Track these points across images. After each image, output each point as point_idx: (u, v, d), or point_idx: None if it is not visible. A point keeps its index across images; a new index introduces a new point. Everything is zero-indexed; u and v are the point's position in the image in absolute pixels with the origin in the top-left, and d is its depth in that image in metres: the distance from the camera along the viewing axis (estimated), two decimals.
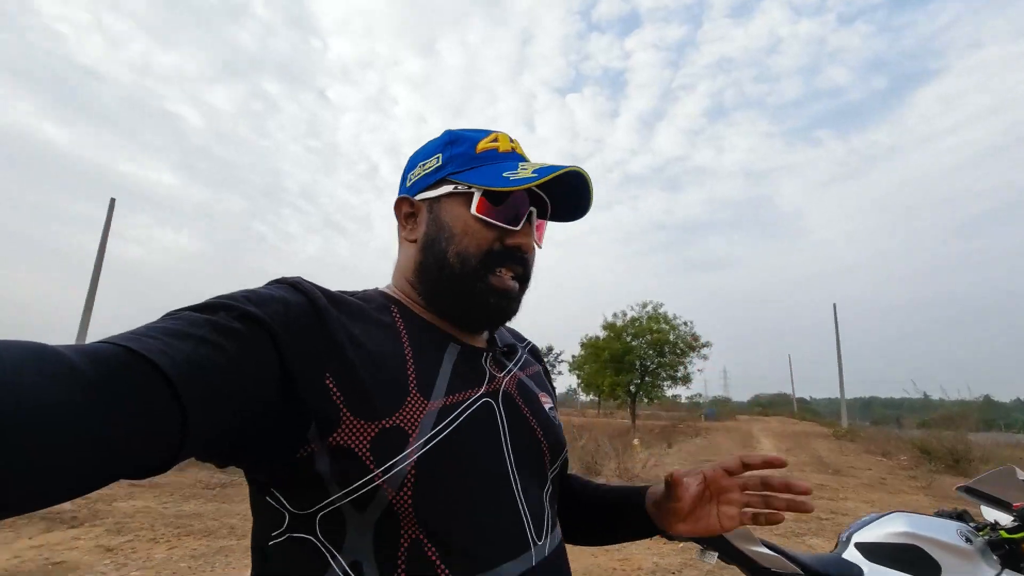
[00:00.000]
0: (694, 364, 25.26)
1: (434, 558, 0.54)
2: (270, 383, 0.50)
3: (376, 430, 0.54)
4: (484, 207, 0.67)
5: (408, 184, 0.75)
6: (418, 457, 0.55)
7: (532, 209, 0.70)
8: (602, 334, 27.04)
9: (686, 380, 25.14)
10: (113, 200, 13.84)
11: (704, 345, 25.00)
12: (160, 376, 0.40)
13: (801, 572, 1.81)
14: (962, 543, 1.77)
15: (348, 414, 0.54)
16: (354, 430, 0.53)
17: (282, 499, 0.56)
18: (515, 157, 0.72)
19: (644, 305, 26.72)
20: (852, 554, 1.94)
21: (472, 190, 0.67)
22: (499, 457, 0.63)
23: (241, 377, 0.47)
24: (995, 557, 1.89)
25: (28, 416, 0.32)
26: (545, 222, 0.75)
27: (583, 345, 28.07)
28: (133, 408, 0.38)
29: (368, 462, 0.53)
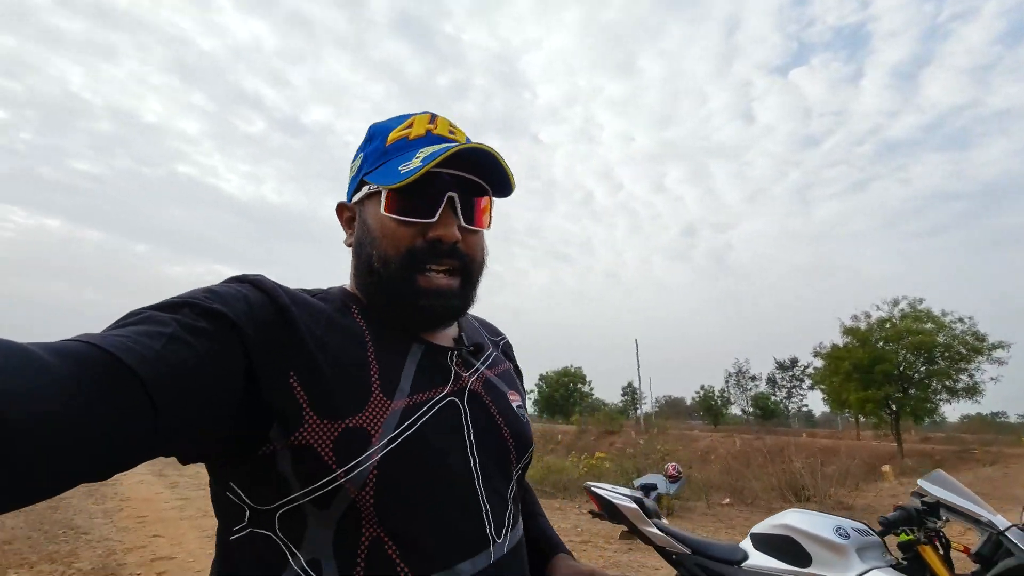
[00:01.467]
0: (983, 371, 19.58)
1: (394, 556, 0.54)
2: (236, 381, 0.50)
3: (339, 430, 0.54)
4: (393, 204, 0.64)
5: (347, 190, 0.74)
6: (380, 457, 0.55)
7: (451, 195, 0.65)
8: (843, 341, 23.13)
9: (973, 392, 19.60)
10: None
11: (996, 347, 19.20)
12: (131, 375, 0.40)
13: (687, 551, 2.18)
14: (835, 538, 1.92)
15: (311, 413, 0.53)
16: (317, 430, 0.53)
17: (242, 495, 0.56)
18: (428, 142, 0.67)
19: (895, 303, 21.99)
20: (747, 543, 2.17)
21: (380, 189, 0.65)
22: (463, 456, 0.62)
23: (210, 375, 0.47)
24: (889, 556, 1.94)
25: (6, 422, 0.32)
26: (488, 198, 0.70)
27: (820, 356, 24.39)
28: (105, 408, 0.38)
29: (330, 462, 0.53)
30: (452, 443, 0.62)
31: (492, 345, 0.84)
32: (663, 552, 2.27)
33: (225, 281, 0.59)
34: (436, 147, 0.64)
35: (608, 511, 2.47)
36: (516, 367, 0.89)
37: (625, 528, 2.48)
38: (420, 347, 0.67)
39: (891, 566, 1.92)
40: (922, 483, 2.11)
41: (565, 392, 43.10)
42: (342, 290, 0.71)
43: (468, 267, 0.68)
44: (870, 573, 1.85)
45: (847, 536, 1.95)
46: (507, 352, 0.89)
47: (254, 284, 0.58)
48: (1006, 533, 1.85)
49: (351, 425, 0.55)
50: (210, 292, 0.54)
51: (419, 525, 0.56)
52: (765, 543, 2.14)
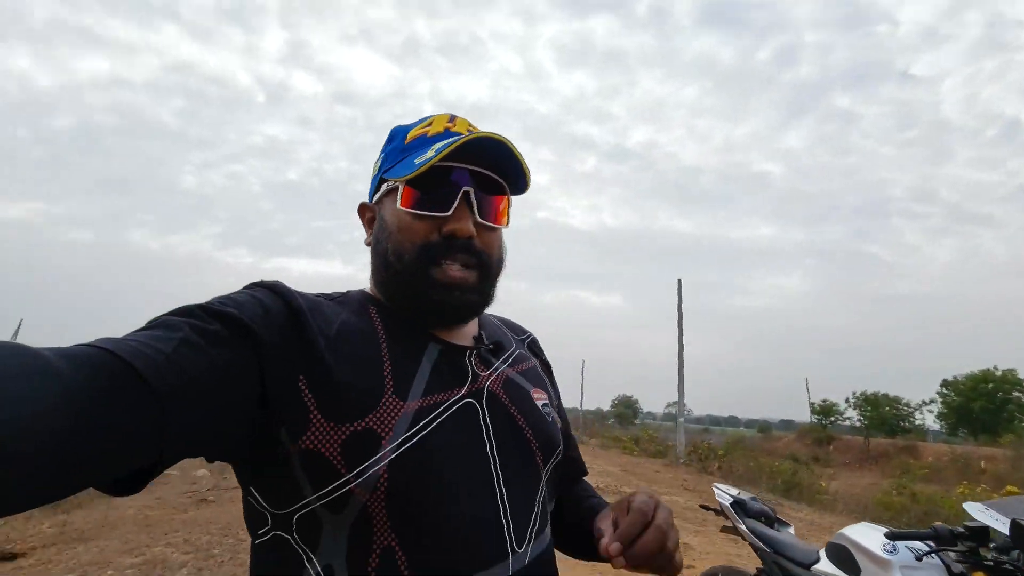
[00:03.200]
0: None
1: (402, 567, 0.53)
2: (248, 384, 0.51)
3: (348, 432, 0.54)
4: (409, 198, 0.64)
5: (369, 190, 0.75)
6: (391, 460, 0.54)
7: (467, 189, 0.65)
8: None
9: None
10: (680, 281, 18.99)
11: None
12: (139, 378, 0.41)
13: (768, 550, 2.46)
14: (881, 553, 1.98)
15: (319, 416, 0.54)
16: (324, 433, 0.54)
17: (260, 499, 0.57)
18: (445, 138, 0.67)
19: None
20: (823, 550, 2.24)
21: (397, 184, 0.65)
22: (481, 460, 0.61)
23: (221, 378, 0.48)
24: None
25: (10, 427, 0.33)
26: (506, 198, 0.70)
27: None
28: (113, 410, 0.39)
29: (339, 465, 0.53)
30: (469, 446, 0.61)
31: (517, 343, 0.83)
32: (754, 547, 2.45)
33: (244, 287, 0.61)
34: (450, 140, 0.64)
35: (720, 508, 2.75)
36: (545, 362, 0.87)
37: (728, 523, 2.70)
38: (437, 347, 0.67)
39: None
40: (968, 506, 1.69)
41: (989, 403, 31.78)
42: (361, 292, 0.73)
43: (485, 263, 0.67)
44: None
45: (894, 552, 1.82)
46: (534, 348, 0.87)
47: (270, 288, 0.60)
48: None
49: (360, 428, 0.55)
50: (226, 297, 0.56)
51: (432, 533, 0.55)
52: (831, 551, 2.09)
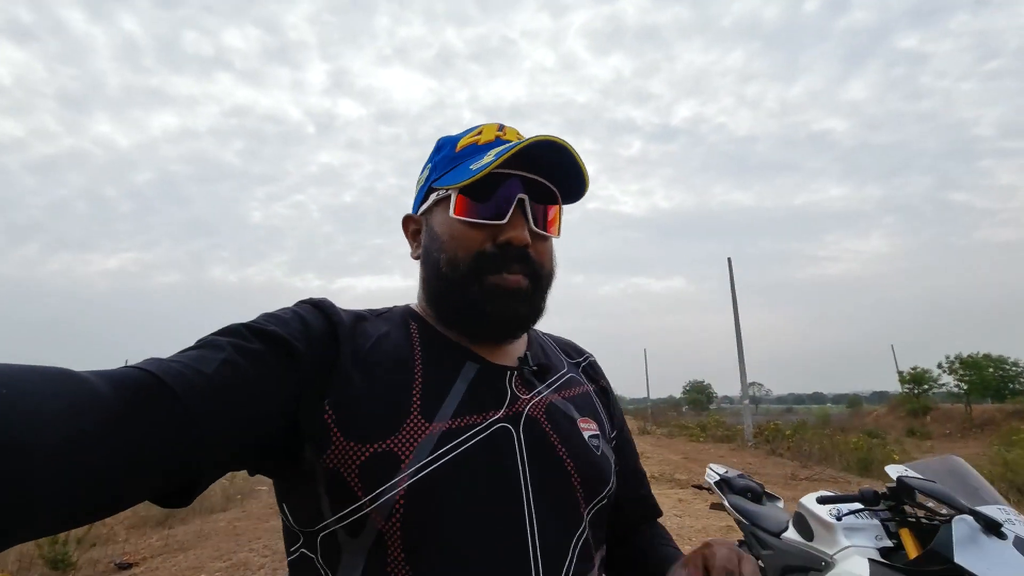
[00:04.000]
0: None
1: None
2: (282, 401, 0.51)
3: (367, 454, 0.52)
4: (463, 207, 0.62)
5: (414, 202, 0.74)
6: (409, 484, 0.52)
7: (522, 197, 0.63)
8: None
9: None
10: (730, 259, 18.32)
11: None
12: (175, 399, 0.42)
13: (745, 521, 2.63)
14: (826, 517, 2.14)
15: (340, 436, 0.53)
16: (344, 453, 0.52)
17: (290, 516, 0.57)
18: (498, 145, 0.65)
19: None
20: (792, 518, 2.38)
21: (449, 192, 0.64)
22: (512, 490, 0.56)
23: (256, 396, 0.49)
24: (887, 540, 1.97)
25: (50, 444, 0.34)
26: (557, 207, 0.68)
27: None
28: (149, 430, 0.40)
29: (356, 488, 0.52)
30: (499, 476, 0.56)
31: (570, 367, 0.78)
32: (736, 521, 2.61)
33: (293, 304, 0.61)
34: (509, 145, 0.62)
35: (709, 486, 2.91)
36: (603, 388, 0.81)
37: (716, 500, 2.86)
38: (475, 366, 0.63)
39: (880, 548, 1.80)
40: (889, 468, 1.76)
41: None
42: (406, 307, 0.71)
43: (537, 273, 0.65)
44: (845, 551, 1.83)
45: (838, 516, 1.95)
46: (590, 372, 0.81)
47: (315, 305, 0.61)
48: (951, 520, 1.45)
49: (381, 449, 0.52)
50: (270, 315, 0.57)
51: (449, 565, 0.51)
52: (796, 519, 2.23)
